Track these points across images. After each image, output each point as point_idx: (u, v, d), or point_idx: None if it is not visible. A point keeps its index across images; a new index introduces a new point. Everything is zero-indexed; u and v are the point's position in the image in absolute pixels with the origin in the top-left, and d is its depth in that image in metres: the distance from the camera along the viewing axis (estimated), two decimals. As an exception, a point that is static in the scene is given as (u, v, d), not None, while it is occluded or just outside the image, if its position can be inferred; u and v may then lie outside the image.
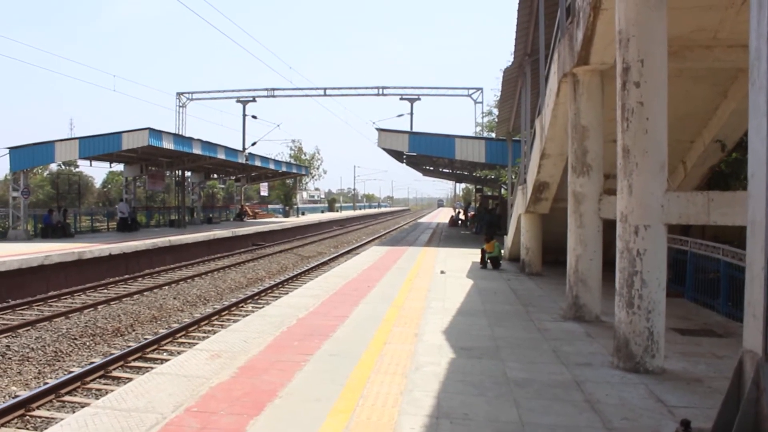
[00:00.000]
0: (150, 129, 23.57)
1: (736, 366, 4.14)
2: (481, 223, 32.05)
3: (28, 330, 11.71)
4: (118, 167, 33.83)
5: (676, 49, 8.52)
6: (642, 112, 6.25)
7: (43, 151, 24.55)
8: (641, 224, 6.27)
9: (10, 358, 9.90)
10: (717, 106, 11.43)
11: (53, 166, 48.68)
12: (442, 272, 14.88)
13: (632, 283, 6.32)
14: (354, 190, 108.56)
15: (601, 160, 9.10)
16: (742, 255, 8.72)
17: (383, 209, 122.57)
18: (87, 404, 6.73)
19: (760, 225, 3.90)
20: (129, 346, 10.72)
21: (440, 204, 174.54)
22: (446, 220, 50.62)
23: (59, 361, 10.12)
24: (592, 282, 9.11)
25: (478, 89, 47.41)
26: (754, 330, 4.03)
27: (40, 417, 7.46)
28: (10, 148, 24.14)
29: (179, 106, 52.60)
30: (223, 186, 62.64)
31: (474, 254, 19.09)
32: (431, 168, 42.73)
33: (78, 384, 8.57)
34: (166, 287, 17.17)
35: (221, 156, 30.34)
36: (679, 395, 5.64)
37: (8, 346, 10.43)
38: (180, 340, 11.37)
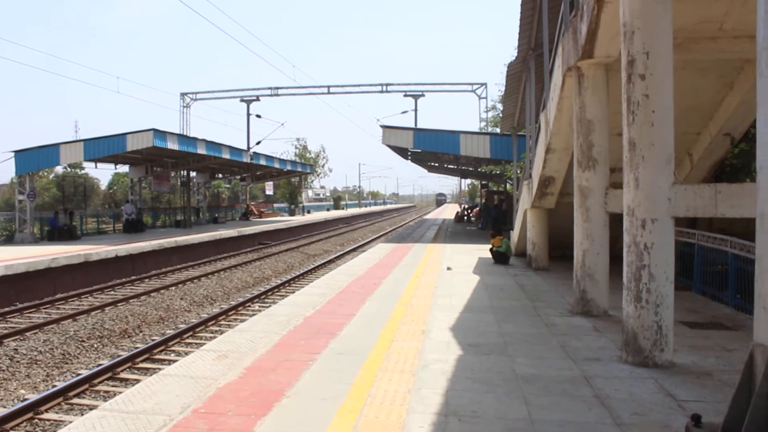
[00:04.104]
0: (154, 130, 23.59)
1: (746, 359, 4.10)
2: (487, 219, 32.00)
3: (36, 333, 11.74)
4: (124, 168, 33.95)
5: (681, 41, 8.45)
6: (648, 104, 6.20)
7: (48, 153, 24.61)
8: (648, 218, 6.22)
9: (18, 362, 9.93)
10: (723, 98, 11.34)
11: (59, 169, 48.84)
12: (448, 269, 14.85)
13: (640, 277, 6.27)
14: (359, 187, 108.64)
15: (606, 154, 9.05)
16: (751, 247, 8.66)
17: (389, 206, 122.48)
18: (95, 407, 6.76)
19: (770, 217, 3.86)
20: (136, 348, 10.74)
21: (441, 200, 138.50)
22: (452, 217, 50.60)
23: (67, 363, 10.15)
24: (600, 276, 9.07)
25: (482, 84, 47.35)
26: (765, 323, 4.00)
27: (48, 420, 7.48)
28: (16, 152, 24.22)
29: (183, 107, 52.70)
30: (228, 186, 62.84)
31: (480, 250, 19.06)
32: (436, 164, 42.69)
33: (86, 386, 8.58)
34: (173, 288, 17.20)
35: (226, 156, 30.37)
36: (689, 389, 5.60)
37: (16, 350, 10.46)
38: (187, 340, 11.39)
